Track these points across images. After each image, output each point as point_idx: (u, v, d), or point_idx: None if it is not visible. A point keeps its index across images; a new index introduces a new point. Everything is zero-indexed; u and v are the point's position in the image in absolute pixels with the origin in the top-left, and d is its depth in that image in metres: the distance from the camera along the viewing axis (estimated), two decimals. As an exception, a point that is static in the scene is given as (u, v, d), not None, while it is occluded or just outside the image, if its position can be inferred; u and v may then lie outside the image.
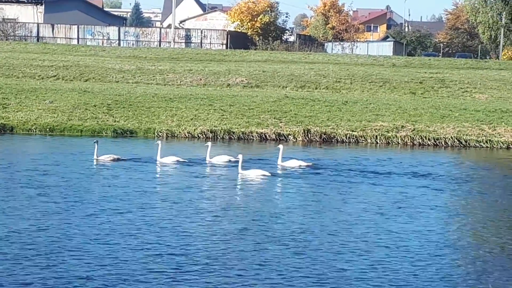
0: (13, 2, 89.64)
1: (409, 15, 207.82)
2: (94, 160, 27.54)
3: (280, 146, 28.41)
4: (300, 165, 27.68)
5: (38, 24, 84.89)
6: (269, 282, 14.46)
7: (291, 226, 18.73)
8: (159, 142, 28.18)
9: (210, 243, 16.94)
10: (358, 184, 25.04)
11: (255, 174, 25.65)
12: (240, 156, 26.07)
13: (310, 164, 28.03)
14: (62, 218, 18.76)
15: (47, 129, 36.56)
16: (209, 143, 28.58)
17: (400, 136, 37.27)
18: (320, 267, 15.45)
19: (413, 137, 37.23)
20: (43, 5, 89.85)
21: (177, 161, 27.66)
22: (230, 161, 27.98)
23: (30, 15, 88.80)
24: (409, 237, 18.16)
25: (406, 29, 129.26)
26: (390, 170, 28.04)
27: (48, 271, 14.59)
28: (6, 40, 77.53)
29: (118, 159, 27.76)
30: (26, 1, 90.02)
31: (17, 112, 38.84)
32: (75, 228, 17.76)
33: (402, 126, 38.44)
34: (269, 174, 25.73)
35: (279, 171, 27.08)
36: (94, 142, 27.98)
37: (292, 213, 20.31)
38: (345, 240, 17.60)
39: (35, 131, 36.41)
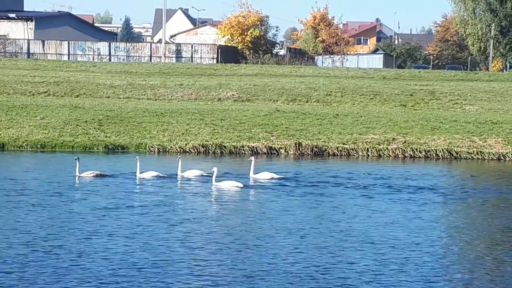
0: (3, 19, 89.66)
1: (399, 27, 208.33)
2: (76, 177, 27.51)
3: (252, 158, 28.79)
4: (272, 177, 28.03)
5: (28, 40, 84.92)
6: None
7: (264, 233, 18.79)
8: (137, 157, 28.22)
9: (189, 253, 16.99)
10: (335, 196, 25.21)
11: (228, 186, 26.22)
12: (214, 169, 26.49)
13: (282, 176, 28.31)
14: (31, 234, 18.78)
15: (38, 146, 36.53)
16: (180, 157, 28.81)
17: (391, 149, 37.36)
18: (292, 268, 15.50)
19: (404, 150, 37.32)
20: (33, 21, 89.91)
21: (157, 176, 27.78)
22: (202, 175, 28.18)
23: (21, 31, 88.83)
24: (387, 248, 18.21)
25: (396, 42, 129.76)
26: (370, 182, 28.18)
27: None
28: (-3, 56, 77.54)
29: (100, 175, 27.74)
30: (16, 18, 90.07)
31: (8, 128, 38.80)
32: (43, 244, 17.77)
33: (393, 139, 38.53)
34: (242, 185, 26.27)
35: (251, 183, 27.34)
36: (75, 159, 27.91)
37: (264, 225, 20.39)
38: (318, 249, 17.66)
39: (26, 148, 36.36)
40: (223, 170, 29.00)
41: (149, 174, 27.84)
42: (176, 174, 28.23)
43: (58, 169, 29.94)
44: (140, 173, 27.82)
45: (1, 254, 16.80)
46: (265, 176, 28.16)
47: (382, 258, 17.32)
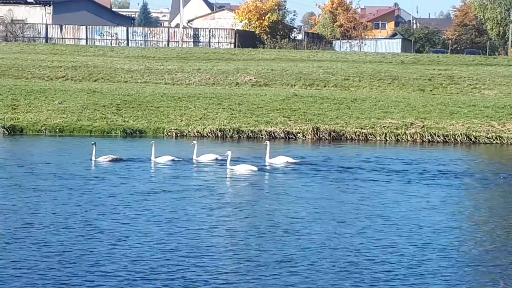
0: (21, 3, 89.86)
1: (417, 12, 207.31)
2: (92, 161, 27.58)
3: (267, 143, 28.78)
4: (287, 161, 28.01)
5: (46, 25, 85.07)
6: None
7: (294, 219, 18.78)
8: (152, 142, 28.22)
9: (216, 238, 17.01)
10: (353, 181, 25.14)
11: (243, 169, 26.35)
12: (229, 152, 26.60)
13: (297, 161, 28.32)
14: (48, 217, 18.87)
15: (57, 130, 36.64)
16: (195, 142, 28.77)
17: (410, 133, 37.23)
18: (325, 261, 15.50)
19: (422, 134, 37.18)
20: (51, 6, 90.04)
21: (172, 160, 27.82)
22: (217, 159, 28.23)
23: (39, 16, 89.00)
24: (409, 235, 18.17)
25: (414, 26, 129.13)
26: (385, 167, 28.12)
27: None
28: (15, 41, 77.78)
29: (116, 160, 27.78)
30: (34, 2, 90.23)
31: (26, 113, 38.93)
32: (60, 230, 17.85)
33: (411, 123, 38.39)
34: (256, 169, 26.37)
35: (267, 168, 27.39)
36: (92, 144, 27.98)
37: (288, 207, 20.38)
38: (347, 235, 17.63)
39: (45, 132, 36.48)
40: (239, 154, 29.00)
41: (164, 159, 27.88)
42: (191, 159, 28.26)
43: (75, 154, 29.97)
44: (155, 157, 27.87)
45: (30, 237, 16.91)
46: (280, 160, 28.16)
47: (424, 243, 17.24)
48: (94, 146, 27.72)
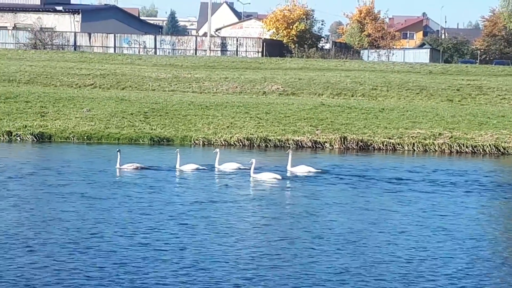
0: (50, 11, 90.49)
1: (446, 22, 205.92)
2: (117, 169, 27.62)
3: (289, 152, 28.77)
4: (309, 171, 27.98)
5: (75, 33, 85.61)
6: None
7: (329, 227, 18.66)
8: (177, 150, 28.24)
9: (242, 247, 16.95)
10: (374, 191, 25.02)
11: (266, 177, 26.42)
12: (253, 161, 26.67)
13: (319, 170, 28.22)
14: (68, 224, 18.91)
15: (85, 137, 36.78)
16: (218, 150, 28.76)
17: (438, 144, 37.00)
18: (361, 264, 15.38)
19: (450, 145, 36.94)
20: (80, 14, 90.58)
21: (196, 168, 27.84)
22: (239, 168, 28.23)
23: (67, 24, 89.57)
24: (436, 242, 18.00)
25: (443, 36, 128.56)
26: (408, 177, 28.00)
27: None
28: (44, 49, 78.30)
29: (140, 168, 27.79)
30: (63, 10, 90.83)
31: (55, 120, 39.12)
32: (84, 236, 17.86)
33: (440, 134, 38.15)
34: (280, 178, 26.44)
35: (288, 176, 27.42)
36: (117, 151, 28.01)
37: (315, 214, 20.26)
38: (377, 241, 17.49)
39: (73, 139, 36.63)
40: (261, 163, 28.90)
41: (188, 167, 27.89)
42: (214, 167, 28.28)
43: (101, 161, 30.02)
44: (180, 165, 27.88)
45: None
46: (302, 169, 28.13)
47: (473, 253, 17.18)
48: (118, 153, 27.76)
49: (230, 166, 28.39)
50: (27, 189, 23.74)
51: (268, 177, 26.48)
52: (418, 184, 26.45)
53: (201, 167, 28.01)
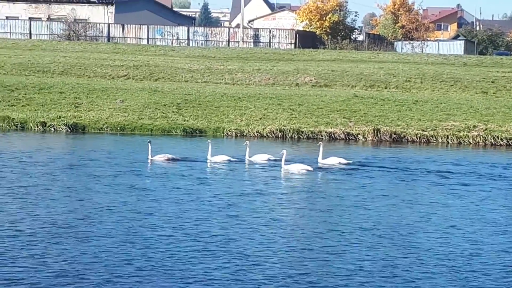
0: (84, 3, 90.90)
1: (480, 13, 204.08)
2: (148, 160, 27.65)
3: (320, 143, 28.75)
4: (339, 162, 27.91)
5: (108, 24, 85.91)
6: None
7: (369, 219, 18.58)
8: (209, 141, 28.24)
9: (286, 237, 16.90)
10: (412, 183, 24.79)
11: (297, 169, 26.42)
12: (284, 152, 26.65)
13: (350, 161, 28.14)
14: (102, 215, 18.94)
15: (118, 128, 36.91)
16: (247, 142, 28.75)
17: (472, 136, 36.69)
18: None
19: (485, 137, 36.62)
20: (114, 6, 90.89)
21: (228, 160, 27.80)
22: (269, 159, 28.22)
23: (101, 15, 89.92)
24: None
25: (477, 28, 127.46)
26: (447, 169, 27.81)
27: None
28: (78, 40, 78.68)
29: (172, 159, 27.80)
30: (97, 2, 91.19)
31: (88, 111, 39.31)
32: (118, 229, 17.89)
33: (474, 126, 37.83)
34: (311, 169, 26.43)
35: (319, 168, 27.38)
36: (148, 142, 28.03)
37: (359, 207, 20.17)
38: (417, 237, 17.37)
39: (106, 130, 36.78)
40: (292, 155, 28.84)
41: (220, 158, 27.89)
42: (244, 158, 28.27)
43: (133, 152, 30.06)
44: (212, 156, 27.87)
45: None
46: (333, 161, 28.08)
47: None
48: (149, 144, 27.79)
49: (260, 158, 28.38)
50: (68, 180, 23.82)
51: (299, 168, 26.49)
52: (462, 177, 26.26)
53: (232, 159, 28.00)
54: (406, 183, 25.02)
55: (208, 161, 27.82)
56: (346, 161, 28.11)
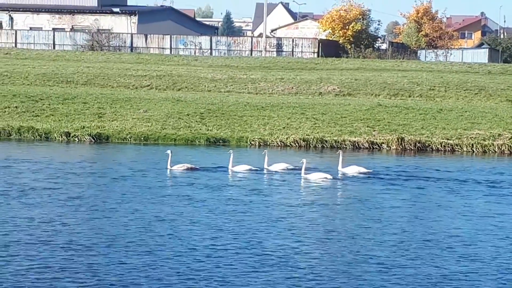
0: (107, 13, 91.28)
1: (504, 21, 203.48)
2: (168, 170, 27.57)
3: (340, 152, 28.63)
4: (359, 171, 27.80)
5: (131, 34, 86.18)
6: None
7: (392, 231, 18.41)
8: (231, 151, 28.11)
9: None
10: (435, 192, 24.60)
11: (317, 177, 26.41)
12: (304, 161, 26.66)
13: (370, 170, 28.05)
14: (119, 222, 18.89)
15: (142, 138, 36.92)
16: (266, 151, 28.65)
17: (497, 145, 36.39)
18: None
19: (510, 145, 36.29)
20: (137, 16, 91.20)
21: (249, 169, 27.72)
22: (287, 168, 28.12)
23: (124, 25, 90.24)
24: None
25: (502, 36, 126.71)
26: (466, 178, 27.63)
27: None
28: (101, 50, 78.99)
29: (191, 169, 27.70)
30: (120, 12, 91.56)
31: (112, 121, 39.35)
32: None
33: (499, 134, 37.51)
34: (331, 177, 26.44)
35: (339, 177, 27.36)
36: (167, 152, 27.96)
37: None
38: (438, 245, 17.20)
39: (130, 140, 36.79)
40: (311, 164, 28.69)
41: (241, 168, 27.81)
42: (263, 168, 28.18)
43: (154, 162, 29.99)
44: (233, 166, 27.77)
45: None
46: (353, 170, 27.99)
47: None
48: (169, 154, 27.72)
49: (279, 167, 28.29)
50: (112, 190, 23.85)
51: (319, 177, 26.43)
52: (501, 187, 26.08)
53: (253, 168, 27.90)
54: (442, 193, 24.80)
55: (229, 170, 27.69)
56: (366, 170, 27.99)
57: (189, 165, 27.91)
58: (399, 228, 19.54)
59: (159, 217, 19.93)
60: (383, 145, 36.50)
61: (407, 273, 15.52)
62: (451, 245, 17.85)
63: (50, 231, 18.06)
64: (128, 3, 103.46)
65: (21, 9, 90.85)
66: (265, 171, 27.97)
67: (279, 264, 15.88)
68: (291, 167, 28.09)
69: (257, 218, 20.26)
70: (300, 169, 26.77)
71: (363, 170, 28.01)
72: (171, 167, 27.68)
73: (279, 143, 36.30)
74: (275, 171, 27.93)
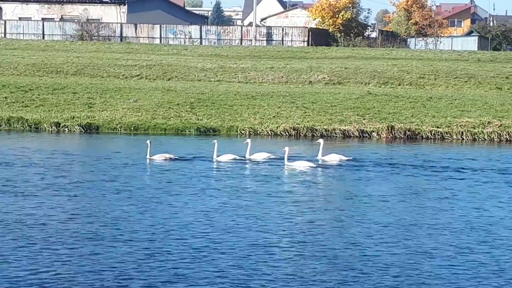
0: (96, 3, 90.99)
1: (494, 9, 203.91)
2: (147, 159, 27.56)
3: (320, 141, 28.71)
4: (340, 159, 27.98)
5: (121, 24, 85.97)
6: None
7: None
8: (215, 141, 27.99)
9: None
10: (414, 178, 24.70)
11: (301, 165, 26.54)
12: (286, 148, 26.77)
13: (350, 158, 28.21)
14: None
15: (132, 128, 36.90)
16: (249, 140, 28.60)
17: (487, 132, 36.50)
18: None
19: (500, 133, 36.42)
20: (126, 5, 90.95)
21: (234, 158, 27.77)
22: (269, 157, 28.18)
23: (114, 15, 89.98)
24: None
25: (491, 24, 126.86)
26: (444, 164, 27.80)
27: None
28: (91, 40, 78.78)
29: (171, 159, 27.65)
30: (109, 2, 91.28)
31: (102, 111, 39.32)
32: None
33: (489, 122, 37.63)
34: (315, 166, 26.67)
35: (320, 165, 27.43)
36: (147, 142, 27.96)
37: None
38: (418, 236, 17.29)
39: (120, 130, 36.77)
40: (292, 153, 28.70)
41: (225, 157, 27.79)
42: (244, 157, 28.13)
43: (138, 152, 29.80)
44: (217, 156, 27.75)
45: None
46: (333, 158, 28.12)
47: None
48: (149, 143, 27.63)
49: (261, 156, 28.30)
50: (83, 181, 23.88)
51: (302, 165, 26.55)
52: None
53: (238, 158, 27.89)
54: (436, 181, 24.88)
55: (214, 160, 27.61)
56: (346, 158, 28.18)
57: (168, 155, 27.82)
58: (376, 214, 19.59)
59: (131, 208, 19.89)
60: (373, 133, 36.58)
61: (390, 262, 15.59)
62: (431, 232, 17.92)
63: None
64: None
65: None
66: (247, 161, 27.91)
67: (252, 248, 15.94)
68: (273, 156, 28.13)
69: (237, 208, 20.31)
70: (283, 158, 26.86)
71: (343, 158, 28.19)
72: (150, 156, 27.62)
73: (269, 132, 36.34)
74: (258, 160, 27.89)
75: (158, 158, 27.59)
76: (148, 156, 27.61)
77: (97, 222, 18.14)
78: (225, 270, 14.64)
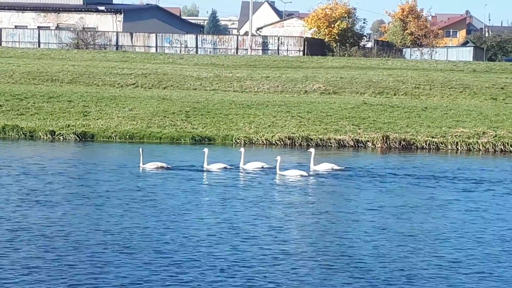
0: (92, 11, 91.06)
1: (489, 20, 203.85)
2: (140, 168, 27.52)
3: (312, 150, 28.74)
4: (332, 168, 28.03)
5: (117, 32, 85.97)
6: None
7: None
8: (205, 149, 28.01)
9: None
10: (396, 187, 24.71)
11: (293, 174, 26.65)
12: (278, 158, 26.84)
13: (342, 167, 28.26)
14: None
15: (127, 137, 36.88)
16: (242, 149, 28.58)
17: (482, 143, 36.54)
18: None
19: (495, 144, 36.46)
20: (122, 14, 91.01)
21: (224, 167, 27.72)
22: (263, 167, 28.16)
23: (109, 24, 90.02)
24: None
25: (486, 34, 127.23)
26: (433, 174, 27.91)
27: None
28: (86, 48, 78.80)
29: (163, 167, 27.61)
30: (105, 10, 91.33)
31: (97, 119, 39.30)
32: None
33: (484, 133, 37.67)
34: (306, 174, 26.76)
35: (311, 174, 27.48)
36: (140, 149, 27.91)
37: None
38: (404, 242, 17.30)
39: (115, 139, 36.75)
40: (285, 162, 28.69)
41: (216, 166, 27.77)
42: (239, 166, 28.12)
43: (131, 160, 29.71)
44: (208, 165, 27.72)
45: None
46: (325, 167, 28.16)
47: None
48: (141, 152, 27.63)
49: (254, 165, 28.29)
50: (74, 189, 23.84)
51: (294, 174, 26.63)
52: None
53: (228, 167, 27.88)
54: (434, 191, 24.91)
55: (204, 169, 27.57)
56: (338, 167, 28.22)
57: (161, 164, 27.79)
58: (364, 223, 19.62)
59: (124, 216, 19.89)
60: (368, 143, 36.60)
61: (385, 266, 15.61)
62: (424, 239, 17.96)
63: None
64: (114, 2, 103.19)
65: (6, 8, 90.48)
66: (241, 170, 27.88)
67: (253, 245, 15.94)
68: (266, 165, 28.12)
69: (232, 215, 20.31)
70: (275, 167, 26.87)
71: (335, 167, 28.24)
72: (143, 165, 27.59)
73: (265, 142, 36.35)
74: (251, 170, 27.86)
75: (150, 166, 27.54)
76: (140, 165, 27.58)
77: (80, 231, 18.14)
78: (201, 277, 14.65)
